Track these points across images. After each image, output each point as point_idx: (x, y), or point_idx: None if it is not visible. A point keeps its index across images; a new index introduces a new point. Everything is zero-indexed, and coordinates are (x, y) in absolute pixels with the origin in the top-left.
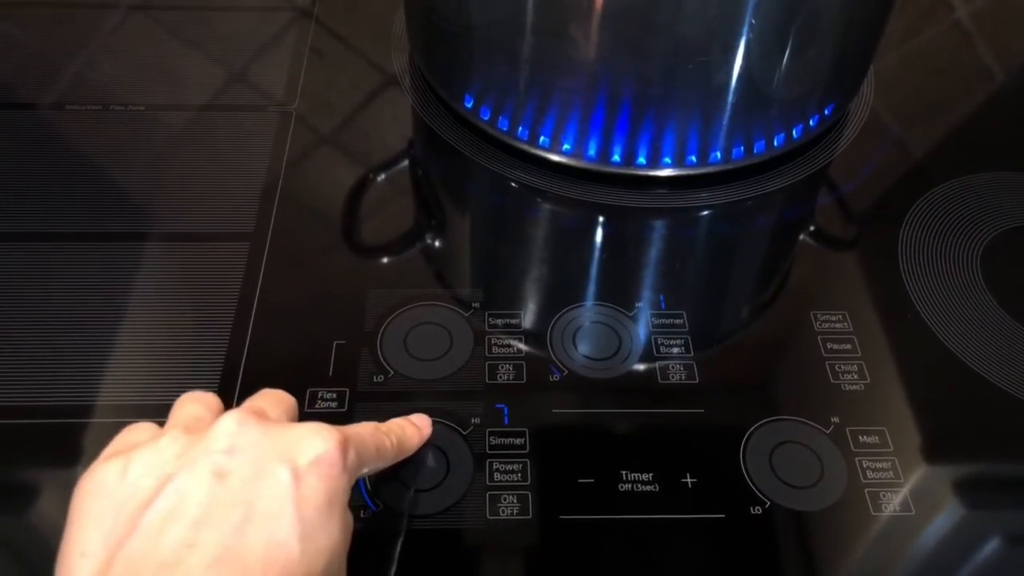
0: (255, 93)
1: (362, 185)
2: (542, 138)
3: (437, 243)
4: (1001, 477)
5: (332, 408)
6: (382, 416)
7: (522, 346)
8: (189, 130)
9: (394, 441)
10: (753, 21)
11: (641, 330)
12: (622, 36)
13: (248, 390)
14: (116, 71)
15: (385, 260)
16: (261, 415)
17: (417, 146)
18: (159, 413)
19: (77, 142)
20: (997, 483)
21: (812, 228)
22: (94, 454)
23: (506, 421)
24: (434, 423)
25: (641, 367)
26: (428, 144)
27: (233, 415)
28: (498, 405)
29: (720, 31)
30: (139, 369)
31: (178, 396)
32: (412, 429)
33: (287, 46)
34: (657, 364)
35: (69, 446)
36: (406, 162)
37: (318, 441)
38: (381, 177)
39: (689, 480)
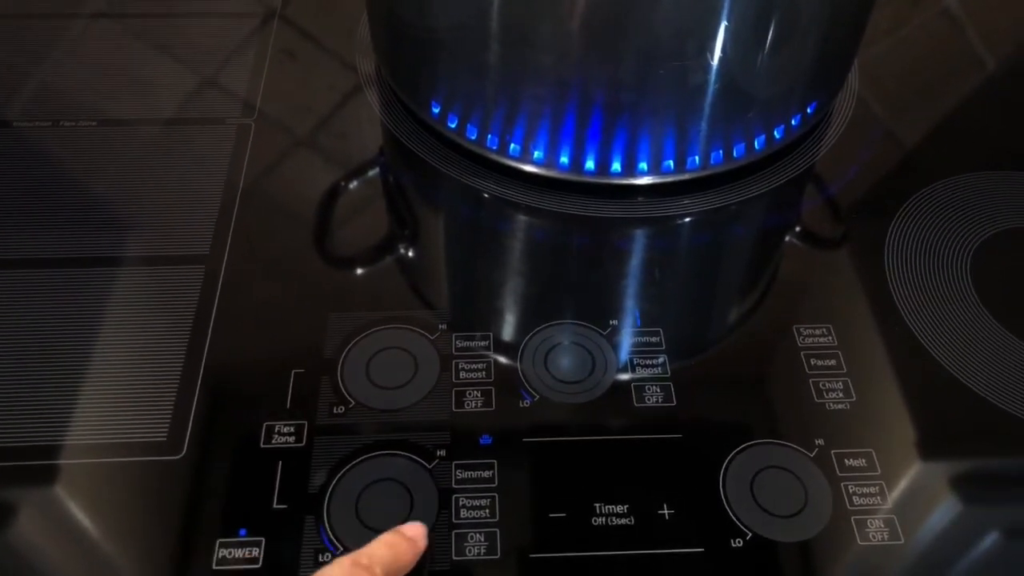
0: (213, 105)
1: (332, 196)
2: (512, 147)
3: (402, 261)
4: (996, 503)
5: (290, 443)
6: (341, 450)
7: (491, 370)
8: (143, 145)
9: (378, 573)
10: (727, 23)
11: (615, 349)
12: (591, 39)
13: (201, 425)
14: (70, 85)
15: (349, 278)
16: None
17: (386, 156)
18: (106, 452)
19: (23, 161)
20: (991, 509)
21: (794, 236)
22: (32, 498)
23: (474, 452)
24: (397, 457)
25: (615, 389)
26: (395, 154)
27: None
28: (469, 436)
29: (693, 32)
30: (85, 403)
31: (126, 432)
32: (404, 545)
33: (249, 54)
34: (632, 385)
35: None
36: (375, 171)
37: None
38: (352, 185)
39: (666, 512)
